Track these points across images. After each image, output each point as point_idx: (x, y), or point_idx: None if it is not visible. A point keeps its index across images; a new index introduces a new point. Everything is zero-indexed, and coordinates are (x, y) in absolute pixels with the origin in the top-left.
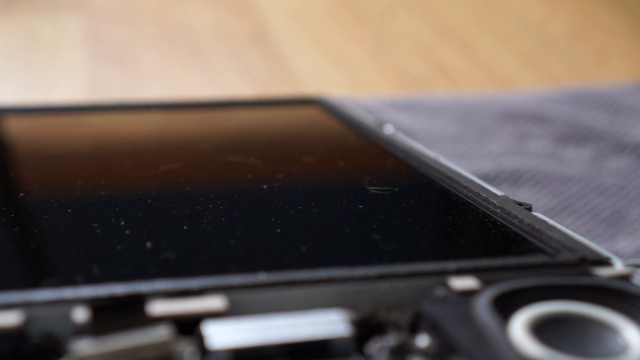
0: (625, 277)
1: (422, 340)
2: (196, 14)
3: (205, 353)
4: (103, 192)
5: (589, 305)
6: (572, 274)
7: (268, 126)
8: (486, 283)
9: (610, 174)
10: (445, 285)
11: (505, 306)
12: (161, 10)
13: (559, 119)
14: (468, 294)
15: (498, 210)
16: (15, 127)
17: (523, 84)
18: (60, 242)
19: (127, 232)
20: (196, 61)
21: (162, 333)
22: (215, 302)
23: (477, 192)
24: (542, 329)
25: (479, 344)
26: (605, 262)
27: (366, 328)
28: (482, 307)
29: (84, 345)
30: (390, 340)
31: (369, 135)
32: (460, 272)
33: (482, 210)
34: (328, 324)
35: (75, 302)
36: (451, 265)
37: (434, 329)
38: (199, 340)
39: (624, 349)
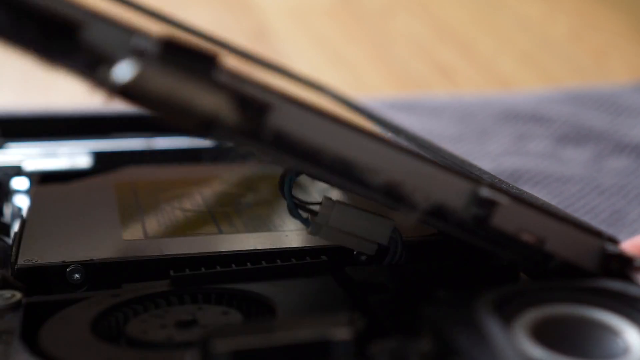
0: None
1: (423, 343)
2: (196, 14)
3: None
4: None
5: (590, 307)
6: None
7: None
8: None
9: (609, 174)
10: None
11: (507, 309)
12: (161, 11)
13: (558, 119)
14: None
15: None
16: None
17: (523, 84)
18: None
19: None
20: None
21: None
22: None
23: None
24: (544, 332)
25: (480, 347)
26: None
27: (368, 331)
28: (484, 310)
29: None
30: (391, 342)
31: None
32: None
33: None
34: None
35: None
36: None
37: (435, 332)
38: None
39: (624, 350)
